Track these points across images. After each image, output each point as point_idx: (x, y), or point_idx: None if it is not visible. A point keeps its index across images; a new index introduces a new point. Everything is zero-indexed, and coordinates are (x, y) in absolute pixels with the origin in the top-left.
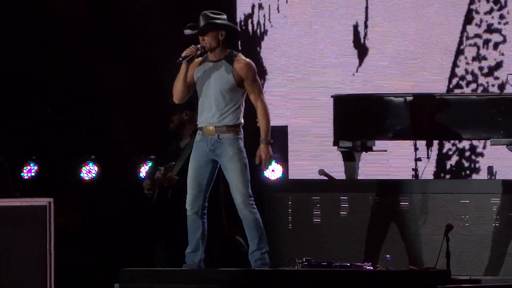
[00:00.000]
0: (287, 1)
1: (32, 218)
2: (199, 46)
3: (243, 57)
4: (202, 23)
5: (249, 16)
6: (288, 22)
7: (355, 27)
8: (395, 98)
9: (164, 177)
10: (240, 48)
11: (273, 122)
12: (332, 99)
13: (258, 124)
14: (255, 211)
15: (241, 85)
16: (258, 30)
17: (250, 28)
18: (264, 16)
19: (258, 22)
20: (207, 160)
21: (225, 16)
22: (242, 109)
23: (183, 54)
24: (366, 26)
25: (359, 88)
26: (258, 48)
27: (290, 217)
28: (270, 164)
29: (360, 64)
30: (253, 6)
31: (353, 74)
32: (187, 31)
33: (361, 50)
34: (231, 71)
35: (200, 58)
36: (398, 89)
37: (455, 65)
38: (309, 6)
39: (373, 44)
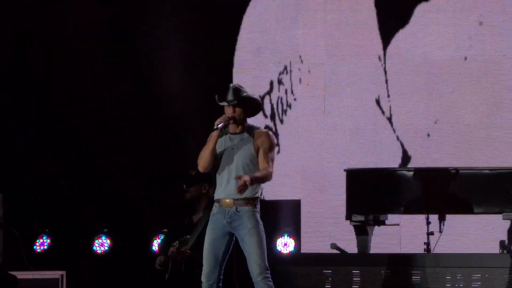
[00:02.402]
0: (300, 81)
1: None
2: (229, 115)
3: (264, 129)
4: (233, 95)
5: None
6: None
7: (377, 100)
8: (407, 172)
9: (179, 251)
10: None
11: (286, 196)
12: (345, 172)
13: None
14: (271, 284)
15: None
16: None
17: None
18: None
19: (270, 100)
20: (224, 232)
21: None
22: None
23: (218, 122)
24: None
25: (372, 162)
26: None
27: None
28: (244, 189)
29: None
30: (271, 83)
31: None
32: (224, 103)
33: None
34: (252, 143)
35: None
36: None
37: None
38: (321, 84)
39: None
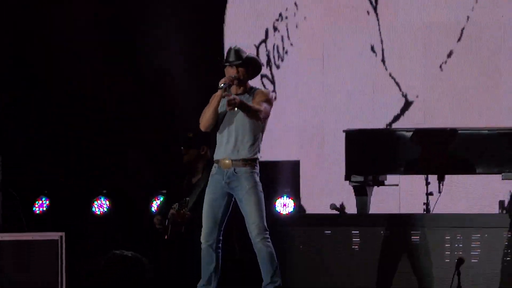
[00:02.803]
0: (297, 26)
1: (44, 252)
2: (234, 76)
3: (265, 89)
4: (235, 56)
5: (261, 43)
6: (298, 52)
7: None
8: (406, 132)
9: (179, 213)
10: None
11: (285, 157)
12: (343, 133)
13: None
14: (270, 245)
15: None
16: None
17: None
18: (274, 46)
19: (268, 53)
20: (223, 193)
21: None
22: (260, 144)
23: (223, 82)
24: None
25: (371, 122)
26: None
27: (302, 252)
28: (232, 105)
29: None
30: (266, 31)
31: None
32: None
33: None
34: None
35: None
36: (412, 123)
37: None
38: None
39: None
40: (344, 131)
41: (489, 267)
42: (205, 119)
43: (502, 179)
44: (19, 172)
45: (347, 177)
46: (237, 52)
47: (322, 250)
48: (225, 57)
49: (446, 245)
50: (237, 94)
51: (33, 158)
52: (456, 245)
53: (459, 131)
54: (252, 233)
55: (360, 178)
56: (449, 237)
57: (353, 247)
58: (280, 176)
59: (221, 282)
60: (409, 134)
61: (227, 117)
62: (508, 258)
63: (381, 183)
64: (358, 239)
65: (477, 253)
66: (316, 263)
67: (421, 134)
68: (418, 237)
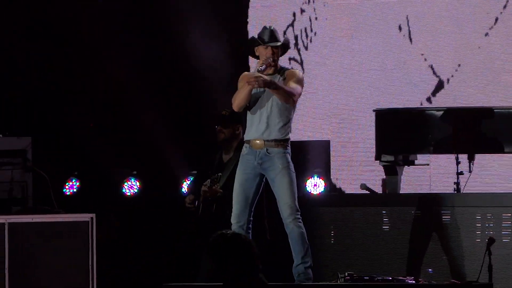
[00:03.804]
0: (324, 5)
1: (74, 233)
2: (270, 58)
3: (295, 69)
4: (274, 37)
5: (289, 27)
6: (326, 32)
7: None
8: (436, 112)
9: (210, 190)
10: None
11: (315, 137)
12: (374, 113)
13: None
14: (301, 225)
15: None
16: (298, 44)
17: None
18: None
19: (296, 36)
20: (255, 173)
21: None
22: (291, 125)
23: (261, 64)
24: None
25: (402, 101)
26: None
27: (332, 232)
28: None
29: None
30: (294, 14)
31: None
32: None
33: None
34: (284, 84)
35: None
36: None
37: None
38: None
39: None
40: (374, 110)
41: None
42: (239, 99)
43: None
44: (49, 153)
45: (378, 157)
46: (275, 32)
47: (352, 230)
48: (260, 37)
49: (477, 224)
50: (268, 75)
51: (63, 139)
52: (487, 224)
53: (490, 110)
54: (284, 213)
55: (390, 158)
56: (480, 217)
57: (383, 227)
58: (311, 156)
59: None
60: (439, 113)
61: (259, 98)
62: None
63: (412, 163)
64: (388, 219)
65: (508, 232)
66: (347, 243)
67: (451, 113)
68: (449, 216)
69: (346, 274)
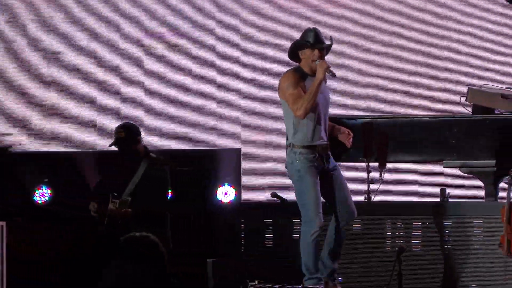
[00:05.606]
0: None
1: None
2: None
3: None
4: (318, 38)
5: None
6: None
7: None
8: (347, 120)
9: (119, 211)
10: None
11: (226, 145)
12: None
13: None
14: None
15: None
16: None
17: None
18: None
19: None
20: (327, 177)
21: None
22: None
23: (330, 69)
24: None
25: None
26: None
27: (242, 240)
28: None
29: None
30: None
31: None
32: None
33: None
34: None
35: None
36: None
37: None
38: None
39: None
40: None
41: (431, 255)
42: (309, 106)
43: (444, 167)
44: None
45: None
46: (319, 34)
47: (262, 238)
48: (306, 39)
49: (388, 233)
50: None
51: None
52: (397, 233)
53: (400, 119)
54: (350, 213)
55: None
56: (390, 226)
57: (293, 235)
58: (222, 164)
59: None
60: (351, 122)
61: (321, 102)
62: (449, 246)
63: None
64: (299, 227)
65: (418, 241)
66: (257, 251)
67: (364, 121)
68: (360, 225)
69: (256, 282)
